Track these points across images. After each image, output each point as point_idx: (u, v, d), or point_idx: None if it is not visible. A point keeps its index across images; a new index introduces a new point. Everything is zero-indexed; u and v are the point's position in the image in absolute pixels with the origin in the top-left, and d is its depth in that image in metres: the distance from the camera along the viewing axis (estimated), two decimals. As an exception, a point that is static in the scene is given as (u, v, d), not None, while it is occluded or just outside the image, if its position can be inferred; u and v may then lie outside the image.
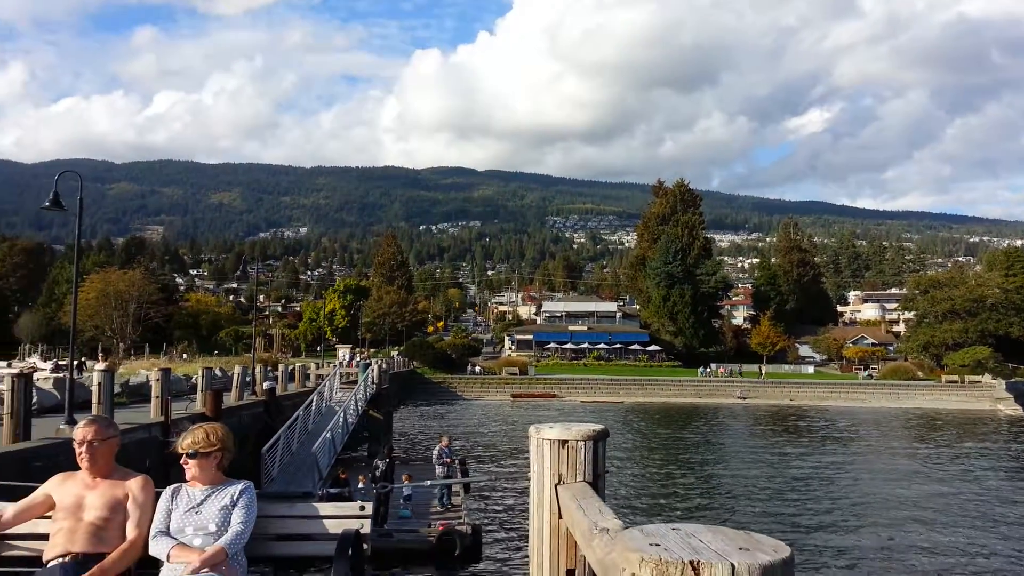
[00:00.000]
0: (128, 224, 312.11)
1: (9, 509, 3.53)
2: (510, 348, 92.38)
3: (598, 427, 3.03)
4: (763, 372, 77.15)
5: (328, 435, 20.99)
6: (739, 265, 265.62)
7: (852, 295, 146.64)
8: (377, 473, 15.74)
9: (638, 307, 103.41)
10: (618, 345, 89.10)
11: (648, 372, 77.50)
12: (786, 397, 66.33)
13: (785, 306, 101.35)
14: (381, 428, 33.03)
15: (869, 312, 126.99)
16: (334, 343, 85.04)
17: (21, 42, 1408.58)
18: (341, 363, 56.04)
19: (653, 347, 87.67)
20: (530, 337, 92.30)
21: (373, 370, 35.67)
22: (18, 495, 3.71)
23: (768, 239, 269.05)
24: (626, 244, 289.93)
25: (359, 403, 29.62)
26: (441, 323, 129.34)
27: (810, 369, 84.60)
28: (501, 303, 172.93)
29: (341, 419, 24.05)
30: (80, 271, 17.11)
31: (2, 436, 12.12)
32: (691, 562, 1.37)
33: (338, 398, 31.43)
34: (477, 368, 76.22)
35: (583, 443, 2.94)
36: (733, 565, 1.36)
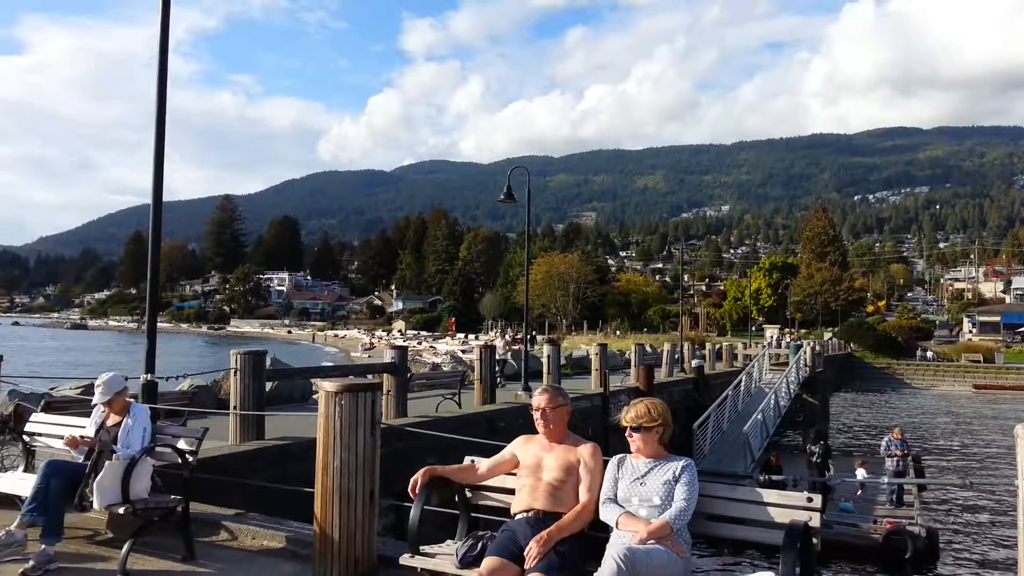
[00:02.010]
0: (566, 212, 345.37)
1: (484, 464, 4.00)
2: (970, 331, 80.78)
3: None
4: None
5: (759, 417, 20.50)
6: None
7: None
8: (815, 460, 14.88)
9: None
10: (1124, 328, 71.63)
11: None
12: None
13: None
14: (817, 414, 31.28)
15: None
16: (760, 323, 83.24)
17: (479, 58, 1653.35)
18: (769, 344, 54.60)
19: None
20: (997, 319, 79.36)
21: (805, 352, 33.94)
22: (486, 451, 4.21)
23: None
24: None
25: (791, 386, 28.43)
26: (882, 302, 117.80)
27: None
28: (957, 279, 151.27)
29: (772, 401, 23.29)
30: (529, 256, 19.41)
31: (474, 399, 14.28)
32: None
33: (767, 380, 30.64)
34: (928, 353, 68.16)
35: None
36: None
